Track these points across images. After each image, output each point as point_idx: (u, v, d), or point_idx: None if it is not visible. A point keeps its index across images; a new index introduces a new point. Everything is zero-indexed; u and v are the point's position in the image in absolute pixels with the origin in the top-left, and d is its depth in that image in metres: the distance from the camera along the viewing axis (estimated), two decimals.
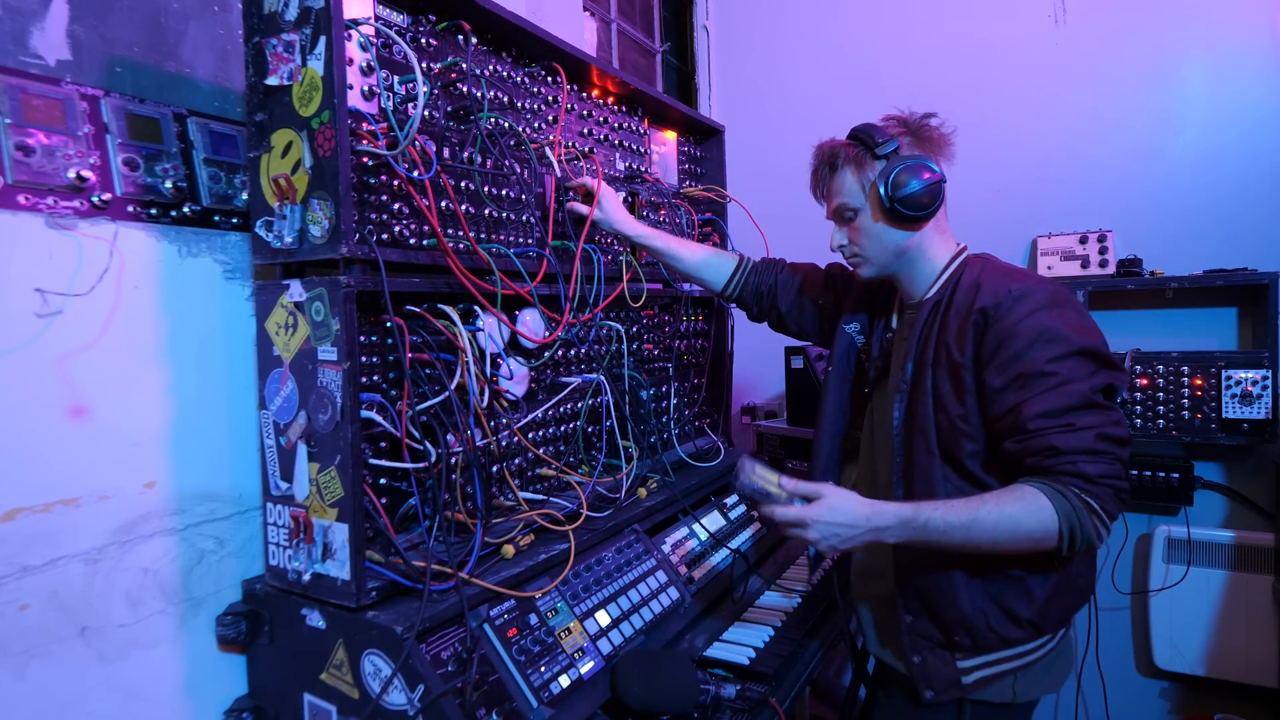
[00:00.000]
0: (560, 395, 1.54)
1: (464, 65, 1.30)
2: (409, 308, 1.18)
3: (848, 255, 1.33)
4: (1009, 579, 1.18)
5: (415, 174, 1.14)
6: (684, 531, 1.70)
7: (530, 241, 1.46)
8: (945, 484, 1.20)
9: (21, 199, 0.97)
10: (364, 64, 1.12)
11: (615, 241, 1.74)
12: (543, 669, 1.15)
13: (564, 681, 1.17)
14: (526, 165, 1.46)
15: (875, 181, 1.23)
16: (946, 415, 1.19)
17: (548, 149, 1.49)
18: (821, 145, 1.35)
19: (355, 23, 1.10)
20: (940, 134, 1.28)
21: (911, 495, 1.23)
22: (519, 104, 1.47)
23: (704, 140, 2.21)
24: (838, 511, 1.12)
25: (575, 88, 1.66)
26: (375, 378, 1.16)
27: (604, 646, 1.28)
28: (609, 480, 1.60)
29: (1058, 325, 1.10)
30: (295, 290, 1.07)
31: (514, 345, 1.38)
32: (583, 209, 1.52)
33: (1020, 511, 1.06)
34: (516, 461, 1.43)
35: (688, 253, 1.61)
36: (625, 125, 1.84)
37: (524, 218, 1.45)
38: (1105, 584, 2.36)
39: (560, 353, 1.55)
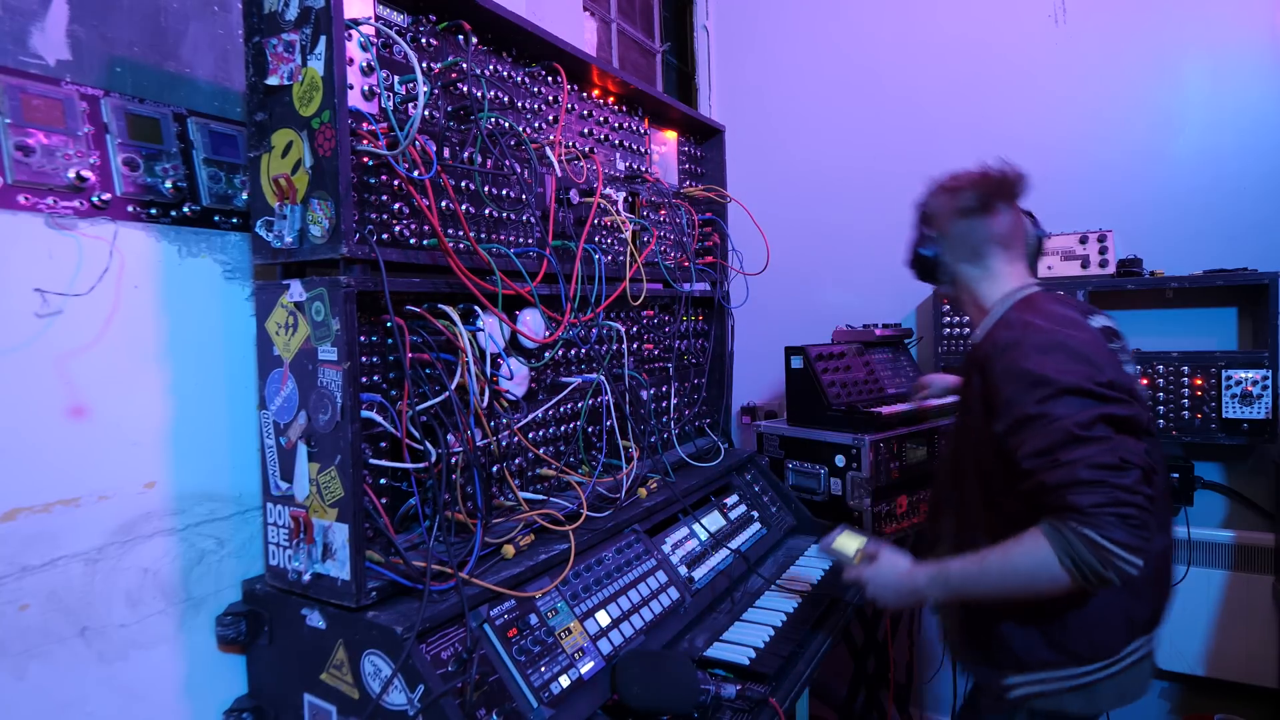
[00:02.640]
0: (560, 395, 1.54)
1: (464, 65, 1.30)
2: (409, 308, 1.18)
3: None
4: (1042, 608, 1.22)
5: (415, 174, 1.14)
6: (684, 531, 1.70)
7: (530, 241, 1.46)
8: (987, 515, 1.28)
9: (21, 199, 0.96)
10: (364, 64, 1.12)
11: (618, 243, 1.74)
12: (543, 669, 1.15)
13: (564, 681, 1.17)
14: (527, 165, 1.46)
15: None
16: (975, 456, 1.29)
17: (548, 149, 1.49)
18: None
19: (355, 22, 1.10)
20: (974, 190, 1.34)
21: (957, 525, 1.36)
22: (519, 104, 1.47)
23: (704, 140, 2.21)
24: (883, 573, 1.32)
25: (575, 88, 1.66)
26: (375, 378, 1.16)
27: (604, 646, 1.28)
28: (609, 480, 1.60)
29: (1041, 370, 1.13)
30: (295, 290, 1.07)
31: (514, 345, 1.38)
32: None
33: (1020, 554, 1.12)
34: (516, 461, 1.43)
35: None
36: (625, 125, 1.83)
37: (524, 217, 1.45)
38: None
39: (560, 353, 1.55)
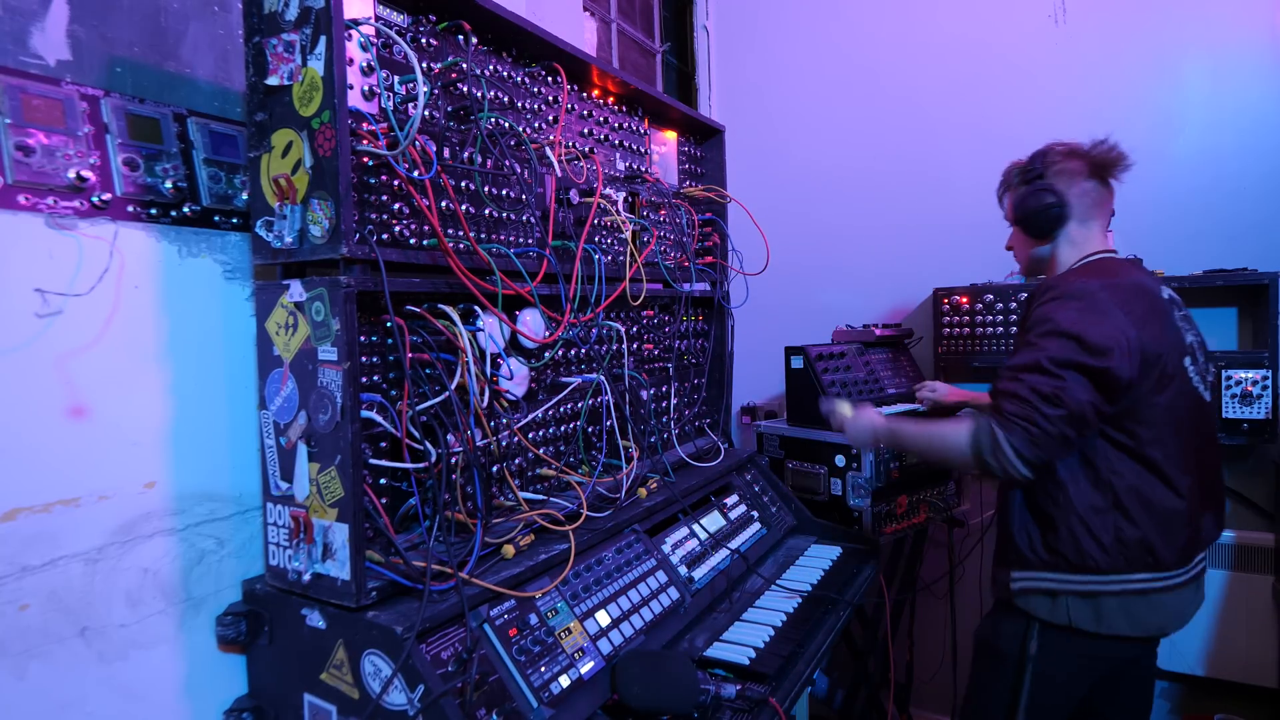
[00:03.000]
0: (560, 395, 1.54)
1: (464, 65, 1.30)
2: (409, 308, 1.18)
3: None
4: (1042, 514, 1.40)
5: (415, 174, 1.14)
6: (684, 532, 1.70)
7: (530, 241, 1.46)
8: None
9: (21, 199, 0.96)
10: (364, 64, 1.12)
11: (619, 243, 1.74)
12: (543, 669, 1.15)
13: (564, 681, 1.17)
14: (527, 165, 1.46)
15: (1012, 201, 1.57)
16: None
17: (548, 149, 1.49)
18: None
19: (355, 23, 1.10)
20: (1087, 158, 1.47)
21: None
22: (519, 104, 1.47)
23: (704, 140, 2.21)
24: (859, 421, 1.66)
25: (575, 88, 1.66)
26: (375, 378, 1.16)
27: (604, 646, 1.28)
28: (609, 480, 1.60)
29: (1054, 314, 1.33)
30: (295, 290, 1.07)
31: (514, 345, 1.38)
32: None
33: (948, 429, 1.40)
34: (516, 461, 1.43)
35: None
36: (625, 125, 1.83)
37: (524, 218, 1.45)
38: None
39: (560, 353, 1.55)
